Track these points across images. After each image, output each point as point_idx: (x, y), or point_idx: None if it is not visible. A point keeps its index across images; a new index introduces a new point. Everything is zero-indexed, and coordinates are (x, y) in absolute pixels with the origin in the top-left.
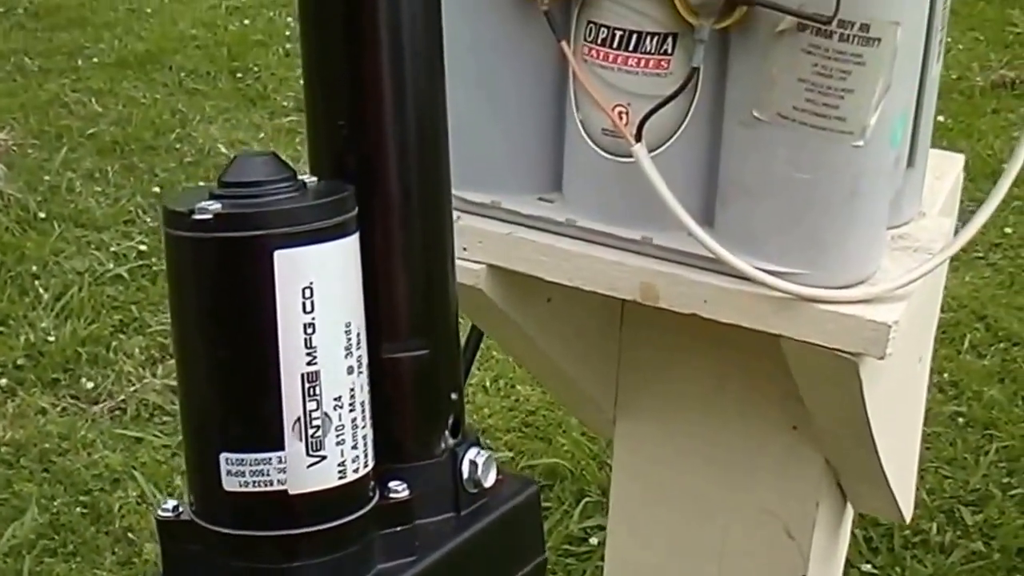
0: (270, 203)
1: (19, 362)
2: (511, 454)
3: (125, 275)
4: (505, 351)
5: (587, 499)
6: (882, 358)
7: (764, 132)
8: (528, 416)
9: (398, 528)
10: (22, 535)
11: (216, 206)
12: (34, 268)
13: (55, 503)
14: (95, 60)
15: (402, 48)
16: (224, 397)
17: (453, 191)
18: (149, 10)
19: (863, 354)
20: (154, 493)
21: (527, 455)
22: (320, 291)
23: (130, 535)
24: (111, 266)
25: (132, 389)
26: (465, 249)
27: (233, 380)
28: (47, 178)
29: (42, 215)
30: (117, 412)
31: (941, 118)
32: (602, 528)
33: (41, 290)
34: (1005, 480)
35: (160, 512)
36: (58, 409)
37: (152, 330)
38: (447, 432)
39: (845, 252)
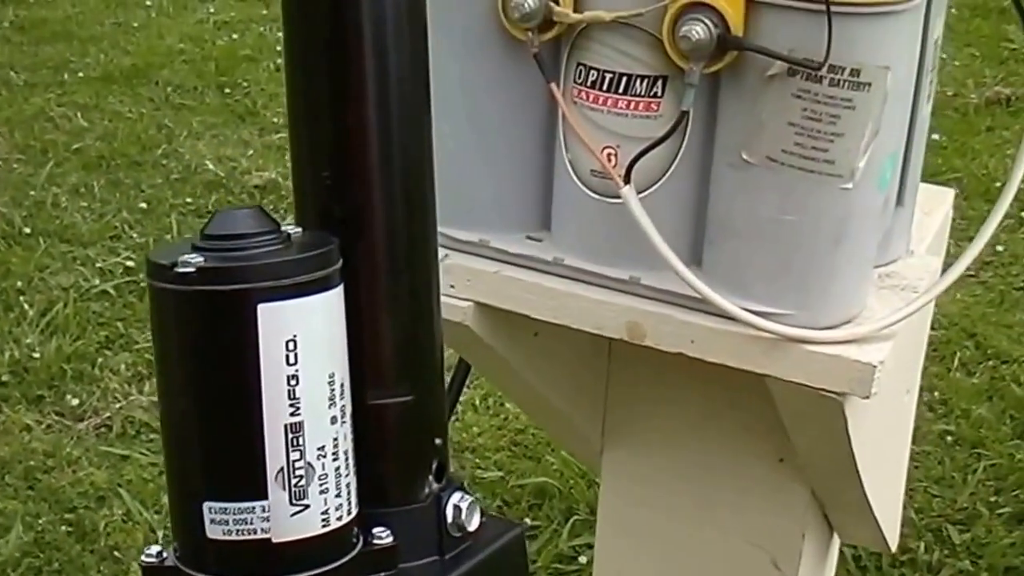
0: (254, 256)
1: (3, 379)
2: (500, 473)
3: (111, 291)
4: (493, 385)
5: (576, 517)
6: (867, 397)
7: (753, 175)
8: (517, 435)
9: (382, 574)
10: (7, 553)
11: (199, 259)
12: (19, 284)
13: (40, 521)
14: (81, 74)
15: (388, 99)
16: (208, 447)
17: (442, 229)
18: (136, 24)
19: (848, 394)
20: (140, 511)
21: (516, 474)
22: (304, 343)
23: (116, 553)
24: (97, 282)
25: (118, 406)
26: (453, 287)
27: (217, 430)
28: (32, 193)
29: (27, 230)
30: (103, 429)
31: (936, 136)
32: (591, 547)
33: (26, 306)
34: (992, 499)
35: (144, 558)
36: (43, 426)
37: (138, 347)
38: (431, 477)
39: (832, 293)
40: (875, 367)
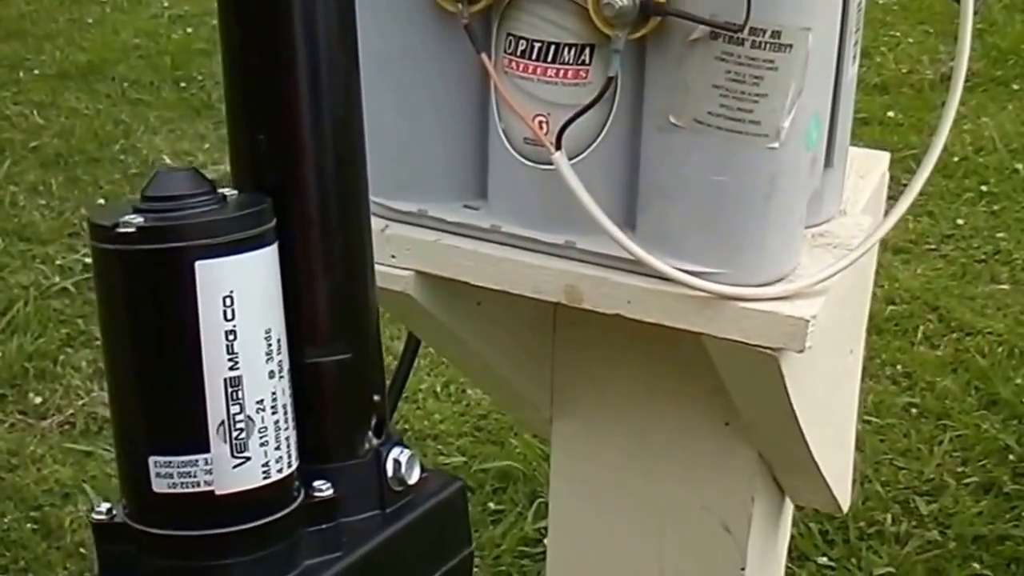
0: (191, 216)
1: None
2: (464, 458)
3: (71, 288)
4: (440, 355)
5: (540, 500)
6: (802, 351)
7: (681, 137)
8: (480, 420)
9: (324, 526)
10: None
11: (139, 219)
12: None
13: (5, 519)
14: (36, 72)
15: (318, 61)
16: (151, 403)
17: (381, 200)
18: (90, 20)
19: (783, 349)
20: None
21: (480, 459)
22: (240, 299)
23: (82, 550)
24: (56, 280)
25: (81, 403)
26: (394, 256)
27: (159, 386)
28: None
29: None
30: (66, 427)
31: (892, 113)
32: None
33: None
34: (959, 469)
35: (94, 515)
36: (6, 425)
37: (99, 343)
38: (371, 433)
39: (763, 251)
40: (808, 321)
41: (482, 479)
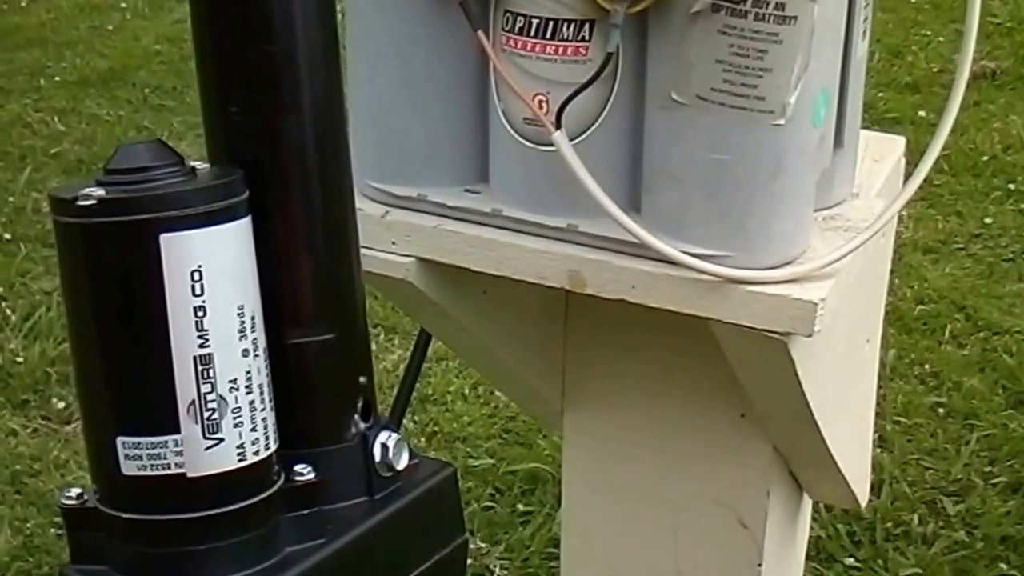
0: (155, 188)
1: None
2: (492, 460)
3: None
4: (448, 347)
5: None
6: (810, 335)
7: (684, 115)
8: (508, 422)
9: (306, 511)
10: None
11: (100, 192)
12: (1, 290)
13: (28, 524)
14: (57, 79)
15: (294, 31)
16: (117, 382)
17: (380, 185)
18: (111, 27)
19: (791, 333)
20: None
21: (508, 461)
22: (209, 274)
23: None
24: None
25: None
26: (394, 243)
27: (125, 365)
28: (11, 199)
29: (7, 236)
30: None
31: (923, 112)
32: None
33: (8, 311)
34: (987, 469)
35: (64, 500)
36: (29, 430)
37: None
38: (357, 416)
39: (770, 232)
40: (816, 304)
41: (511, 481)
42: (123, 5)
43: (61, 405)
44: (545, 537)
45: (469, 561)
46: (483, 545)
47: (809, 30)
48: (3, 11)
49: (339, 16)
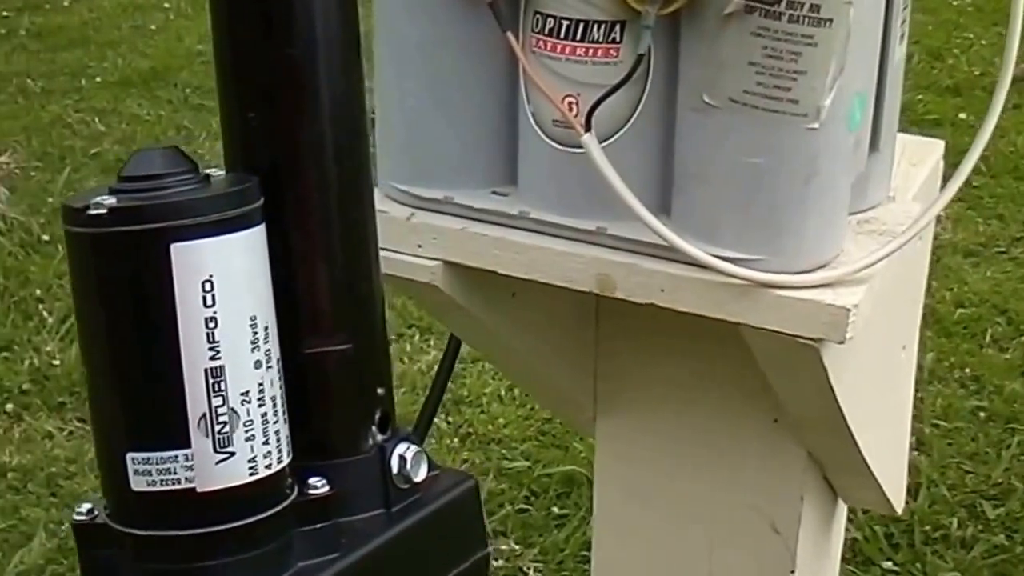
0: (166, 196)
1: (24, 387)
2: (528, 463)
3: None
4: (477, 351)
5: None
6: (843, 342)
7: (716, 118)
8: (544, 424)
9: (319, 525)
10: (30, 561)
11: (111, 200)
12: (38, 292)
13: (63, 528)
14: (98, 79)
15: (314, 34)
16: (127, 395)
17: (407, 188)
18: (154, 27)
19: (824, 339)
20: None
21: (543, 463)
22: (221, 284)
23: None
24: None
25: None
26: (420, 246)
27: (135, 377)
28: (50, 200)
29: (45, 238)
30: None
31: (964, 115)
32: None
33: (45, 314)
34: None
35: (75, 516)
36: (64, 433)
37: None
38: (375, 427)
39: (803, 236)
40: (849, 310)
41: (546, 484)
42: (166, 5)
43: None
44: (580, 540)
45: (503, 563)
46: (517, 547)
47: (845, 33)
48: (46, 11)
49: (364, 17)
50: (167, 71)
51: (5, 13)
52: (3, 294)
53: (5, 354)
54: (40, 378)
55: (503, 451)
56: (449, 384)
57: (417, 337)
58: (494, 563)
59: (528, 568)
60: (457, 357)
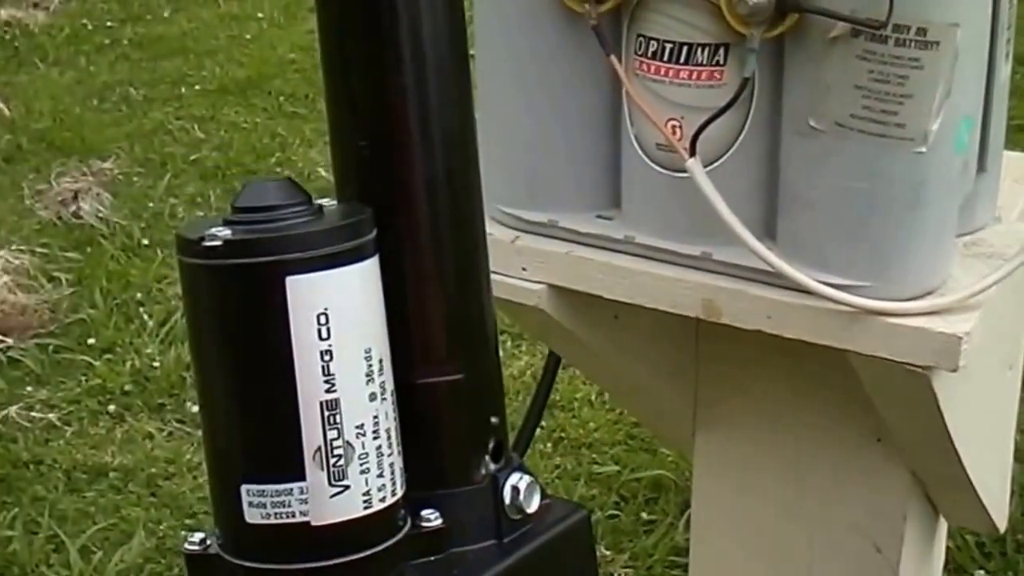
0: (281, 228)
1: (126, 388)
2: (617, 467)
3: None
4: (579, 370)
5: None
6: (955, 371)
7: (822, 142)
8: (633, 428)
9: (432, 558)
10: (130, 559)
11: (226, 232)
12: (139, 295)
13: (161, 527)
14: (197, 88)
15: (424, 63)
16: (242, 427)
17: (511, 210)
18: (248, 36)
19: (935, 367)
20: None
21: (632, 468)
22: (336, 317)
23: None
24: None
25: None
26: (525, 269)
27: (250, 410)
28: (151, 205)
29: (146, 242)
30: None
31: None
32: None
33: (146, 316)
34: None
35: (187, 545)
36: (164, 434)
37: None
38: (488, 457)
39: (911, 262)
40: (961, 338)
41: (635, 489)
42: (260, 15)
43: (195, 409)
44: (668, 545)
45: None
46: (608, 553)
47: (952, 55)
48: (147, 21)
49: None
50: (262, 79)
51: (109, 23)
52: (105, 297)
53: (108, 356)
54: (141, 380)
55: (593, 455)
56: None
57: (509, 343)
58: None
59: (619, 574)
60: (557, 374)
